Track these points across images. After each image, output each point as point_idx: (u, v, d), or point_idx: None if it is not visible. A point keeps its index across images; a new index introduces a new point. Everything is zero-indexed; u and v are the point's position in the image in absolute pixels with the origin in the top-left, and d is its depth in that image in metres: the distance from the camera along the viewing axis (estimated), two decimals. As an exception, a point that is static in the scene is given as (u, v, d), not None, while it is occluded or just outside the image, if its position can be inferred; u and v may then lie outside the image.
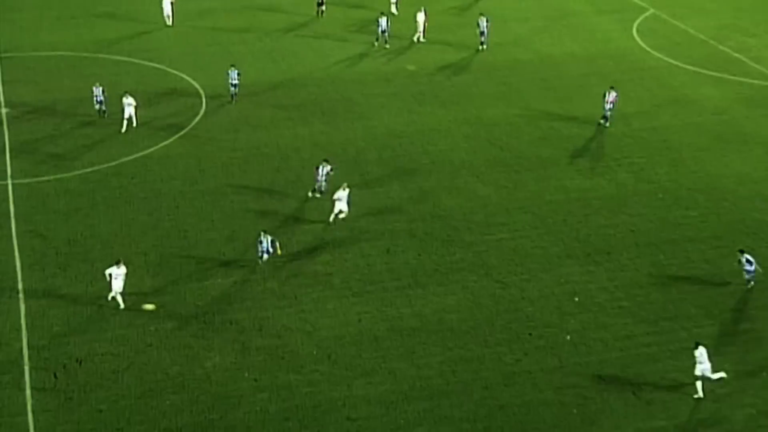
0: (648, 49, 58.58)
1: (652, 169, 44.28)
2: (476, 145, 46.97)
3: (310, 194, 41.67)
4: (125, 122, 47.57)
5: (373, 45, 58.26)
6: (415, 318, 34.47)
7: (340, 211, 40.07)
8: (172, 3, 62.36)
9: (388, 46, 58.07)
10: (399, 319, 34.45)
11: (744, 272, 35.50)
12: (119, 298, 34.98)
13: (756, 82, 53.52)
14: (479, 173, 44.28)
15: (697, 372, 30.59)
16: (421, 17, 59.30)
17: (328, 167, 41.78)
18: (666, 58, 57.01)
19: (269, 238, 37.18)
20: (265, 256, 37.19)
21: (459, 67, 56.64)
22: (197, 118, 49.54)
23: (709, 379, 30.67)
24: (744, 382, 31.22)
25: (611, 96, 47.90)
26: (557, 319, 34.30)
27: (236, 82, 50.42)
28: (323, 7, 63.66)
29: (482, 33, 57.94)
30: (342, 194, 39.96)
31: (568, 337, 33.35)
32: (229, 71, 50.51)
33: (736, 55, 57.36)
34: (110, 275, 34.84)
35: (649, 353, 32.38)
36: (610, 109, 47.95)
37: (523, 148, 46.57)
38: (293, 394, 31.05)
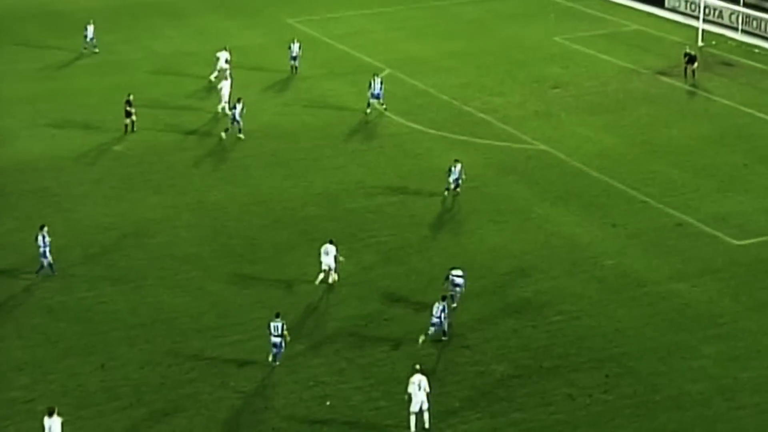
0: (387, 112, 60.48)
1: (401, 249, 45.36)
2: (201, 234, 46.65)
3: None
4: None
5: (221, 138, 56.69)
6: (140, 445, 33.43)
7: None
8: None
9: (241, 136, 56.51)
10: (120, 447, 33.31)
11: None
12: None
13: (505, 144, 56.27)
14: (207, 266, 43.92)
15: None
16: (226, 85, 59.59)
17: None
18: (408, 123, 59.06)
19: (280, 324, 37.00)
20: (275, 350, 37.08)
21: (176, 145, 56.39)
22: None
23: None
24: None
25: (457, 168, 49.06)
26: (308, 430, 34.20)
27: (45, 249, 42.42)
28: (133, 118, 57.13)
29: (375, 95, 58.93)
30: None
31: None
32: (39, 233, 42.45)
33: (482, 115, 60.23)
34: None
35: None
36: (456, 180, 49.21)
37: (255, 234, 46.65)
38: None
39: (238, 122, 56.53)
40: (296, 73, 66.48)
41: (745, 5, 76.75)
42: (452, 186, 49.50)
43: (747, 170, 52.77)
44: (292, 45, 66.82)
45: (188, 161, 54.30)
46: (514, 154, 55.02)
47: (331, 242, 42.44)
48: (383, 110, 59.57)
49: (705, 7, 75.53)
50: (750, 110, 60.60)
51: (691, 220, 47.51)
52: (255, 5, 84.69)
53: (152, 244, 45.73)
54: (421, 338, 38.17)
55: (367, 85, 60.09)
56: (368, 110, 59.63)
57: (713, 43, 73.01)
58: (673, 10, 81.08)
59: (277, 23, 79.42)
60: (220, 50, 65.56)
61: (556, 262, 44.09)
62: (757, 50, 71.69)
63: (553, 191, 50.70)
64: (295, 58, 66.49)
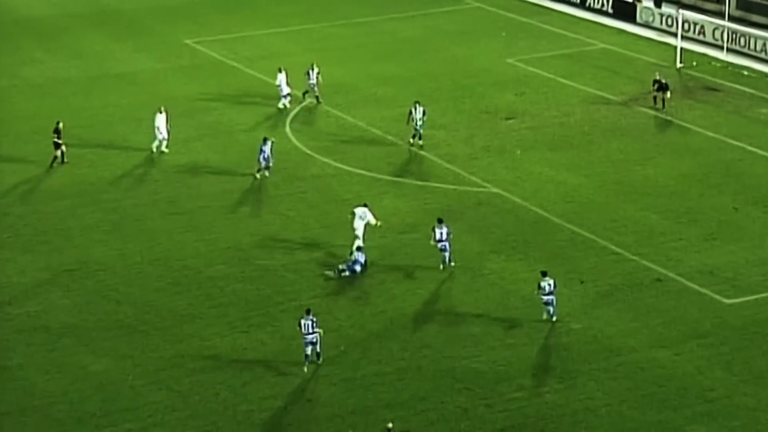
0: (308, 151, 60.43)
1: (327, 314, 44.94)
2: (82, 301, 46.12)
3: None
4: None
5: (255, 178, 56.86)
6: None
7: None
8: None
9: (259, 176, 56.94)
10: None
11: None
12: None
13: (450, 187, 56.27)
14: (89, 340, 43.38)
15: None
16: (162, 119, 59.68)
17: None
18: (333, 162, 59.02)
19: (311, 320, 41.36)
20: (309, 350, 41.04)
21: (50, 191, 55.86)
22: None
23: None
24: None
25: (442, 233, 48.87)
26: None
27: None
28: (63, 149, 58.48)
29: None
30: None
31: None
32: None
33: (422, 153, 60.24)
34: None
35: None
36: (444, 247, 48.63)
37: (150, 299, 46.20)
38: None
39: (266, 161, 56.86)
40: (320, 102, 66.78)
41: (731, 19, 77.95)
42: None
43: (737, 215, 53.33)
44: (310, 71, 66.59)
45: (65, 212, 53.75)
46: (461, 198, 55.11)
47: (365, 205, 49.10)
48: (411, 145, 60.38)
49: (684, 22, 76.63)
50: (739, 143, 61.37)
51: (672, 275, 47.82)
52: (145, 23, 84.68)
53: (20, 315, 45.11)
54: (545, 316, 44.20)
55: (407, 113, 60.61)
56: (420, 141, 60.58)
57: (694, 64, 74.03)
58: (647, 25, 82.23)
59: (173, 44, 79.38)
60: (278, 73, 66.25)
61: (515, 327, 44.08)
62: (745, 72, 72.79)
63: (509, 242, 50.81)
64: (314, 86, 66.60)
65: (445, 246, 47.76)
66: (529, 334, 43.55)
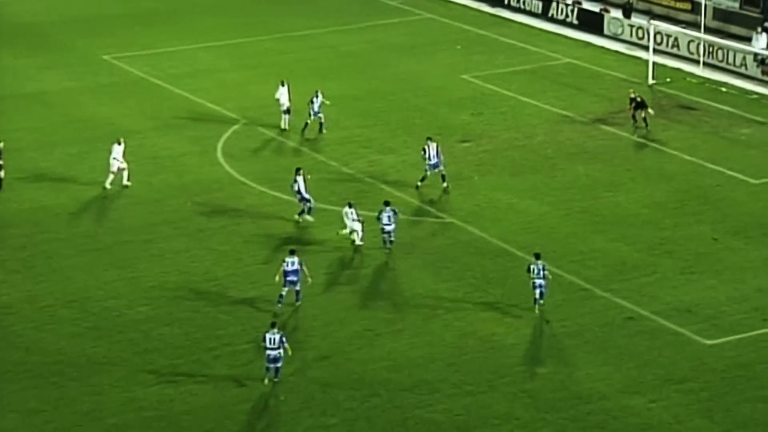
0: (242, 179, 60.26)
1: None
2: (-15, 348, 45.80)
3: None
4: None
5: (297, 222, 55.83)
6: None
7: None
8: None
9: (301, 219, 55.76)
10: None
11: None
12: None
13: (402, 217, 56.21)
14: (-6, 392, 43.06)
15: None
16: (118, 150, 59.05)
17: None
18: (271, 191, 58.85)
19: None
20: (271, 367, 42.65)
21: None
22: None
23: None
24: None
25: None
26: None
27: None
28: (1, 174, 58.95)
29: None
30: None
31: None
32: None
33: (369, 180, 60.27)
34: None
35: None
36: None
37: (63, 346, 45.81)
38: None
39: (307, 200, 55.58)
40: (323, 131, 66.10)
41: (707, 31, 78.53)
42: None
43: (717, 246, 53.54)
44: (314, 99, 65.36)
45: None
46: (413, 229, 55.09)
47: (350, 205, 52.80)
48: (418, 188, 59.31)
49: (656, 34, 77.14)
50: (717, 167, 61.69)
51: (646, 313, 47.91)
52: (58, 37, 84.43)
53: None
54: (537, 304, 47.41)
55: (421, 151, 59.45)
56: (445, 184, 59.03)
57: (668, 80, 74.53)
58: (615, 38, 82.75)
59: (90, 60, 79.18)
60: (279, 86, 65.92)
61: (473, 372, 44.00)
62: (724, 89, 73.32)
63: (466, 278, 50.79)
64: (317, 113, 65.59)
65: (392, 229, 52.21)
66: (489, 380, 43.46)
